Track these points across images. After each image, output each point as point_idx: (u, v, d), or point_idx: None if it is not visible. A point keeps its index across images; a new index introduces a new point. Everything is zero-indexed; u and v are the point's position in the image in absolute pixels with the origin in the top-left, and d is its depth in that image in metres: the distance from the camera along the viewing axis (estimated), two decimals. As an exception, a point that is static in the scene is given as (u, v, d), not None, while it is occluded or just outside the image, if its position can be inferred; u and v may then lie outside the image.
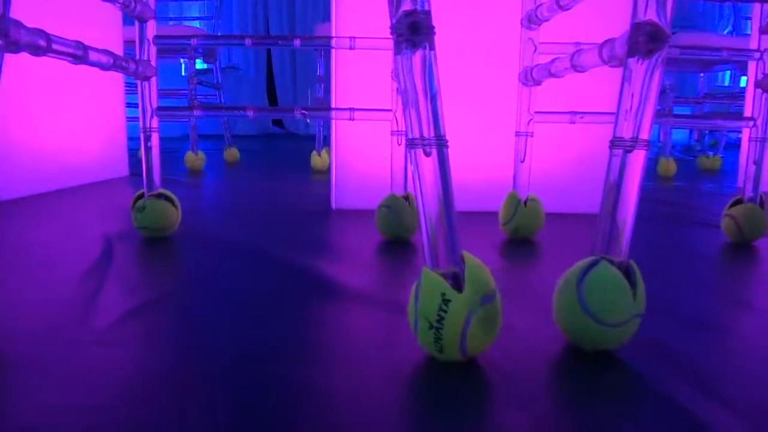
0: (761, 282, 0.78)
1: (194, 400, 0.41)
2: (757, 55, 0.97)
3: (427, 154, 0.47)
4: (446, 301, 0.45)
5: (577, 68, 0.69)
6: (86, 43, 0.71)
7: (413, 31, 0.47)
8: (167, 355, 0.49)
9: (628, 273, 0.50)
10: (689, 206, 1.48)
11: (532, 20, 0.87)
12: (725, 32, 2.80)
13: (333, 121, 1.22)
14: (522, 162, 0.93)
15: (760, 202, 0.97)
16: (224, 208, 1.34)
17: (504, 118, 1.16)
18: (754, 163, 0.97)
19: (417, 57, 0.47)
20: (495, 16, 1.16)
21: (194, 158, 2.06)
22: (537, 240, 0.95)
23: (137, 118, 0.94)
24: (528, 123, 0.92)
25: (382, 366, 0.47)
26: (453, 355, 0.46)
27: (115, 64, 0.79)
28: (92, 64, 0.73)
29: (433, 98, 0.47)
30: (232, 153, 2.41)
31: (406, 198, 0.93)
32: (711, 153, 2.55)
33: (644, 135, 0.51)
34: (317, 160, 2.14)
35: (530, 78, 0.89)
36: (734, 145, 3.01)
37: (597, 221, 0.52)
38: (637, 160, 0.51)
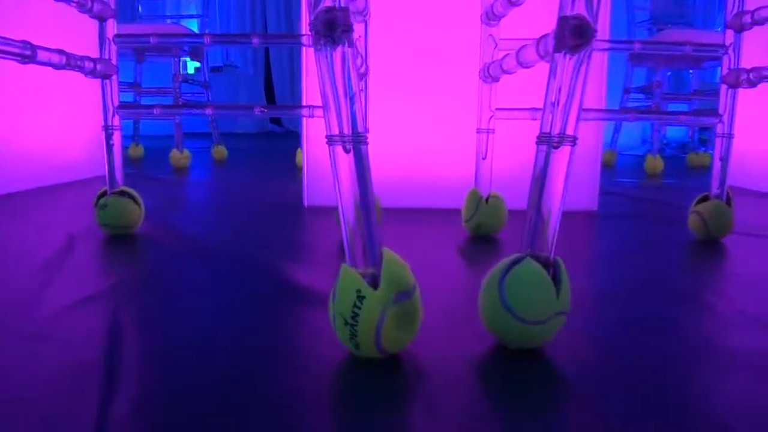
0: (718, 280, 0.78)
1: (122, 394, 0.41)
2: (722, 50, 0.96)
3: (347, 151, 0.47)
4: (360, 298, 0.45)
5: (522, 64, 0.68)
6: (37, 42, 0.71)
7: (330, 28, 0.46)
8: (99, 350, 0.49)
9: (554, 270, 0.50)
10: (669, 203, 1.47)
11: (490, 16, 0.87)
12: (719, 29, 2.78)
13: (304, 120, 1.22)
14: (483, 159, 0.93)
15: (726, 199, 0.97)
16: (196, 206, 1.34)
17: (466, 114, 1.15)
18: (720, 160, 0.96)
19: (336, 54, 0.47)
20: (457, 12, 1.16)
21: (179, 156, 2.07)
22: (499, 237, 0.95)
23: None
24: (489, 120, 0.92)
25: (309, 362, 0.48)
26: (369, 352, 0.46)
27: (68, 63, 0.79)
28: (42, 63, 0.74)
29: (351, 95, 0.47)
30: (219, 151, 2.41)
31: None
32: (702, 149, 2.54)
33: (570, 131, 0.51)
34: (302, 157, 2.13)
35: (489, 74, 0.88)
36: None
37: (525, 218, 0.52)
38: (563, 156, 0.51)
